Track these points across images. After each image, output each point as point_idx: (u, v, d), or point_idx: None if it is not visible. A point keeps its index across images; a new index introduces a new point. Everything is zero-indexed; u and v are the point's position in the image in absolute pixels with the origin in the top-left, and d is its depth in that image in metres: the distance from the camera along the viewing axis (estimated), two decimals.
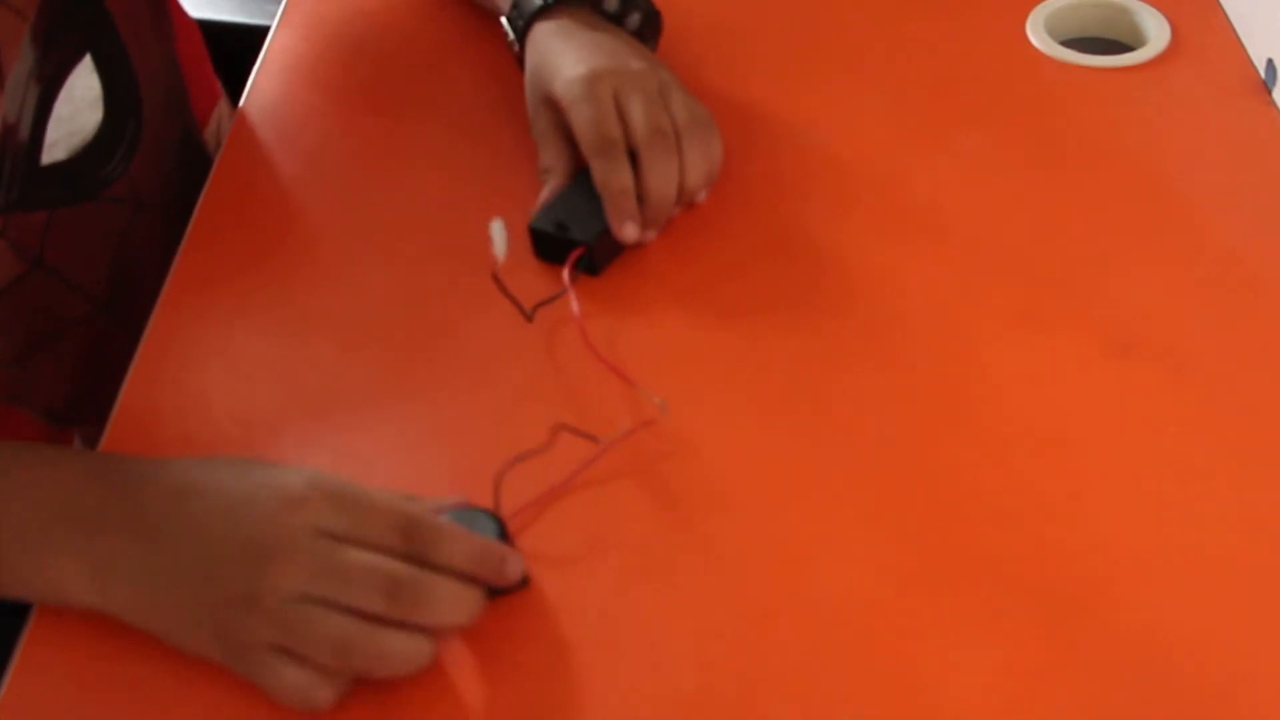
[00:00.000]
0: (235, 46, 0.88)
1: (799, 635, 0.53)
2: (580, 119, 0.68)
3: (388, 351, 0.66)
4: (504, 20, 0.77)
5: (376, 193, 0.76)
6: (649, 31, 0.77)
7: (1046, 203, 0.70)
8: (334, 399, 0.64)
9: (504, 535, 0.55)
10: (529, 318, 0.65)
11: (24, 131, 0.66)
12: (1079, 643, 0.52)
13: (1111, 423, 0.60)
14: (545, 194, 0.70)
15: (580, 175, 0.70)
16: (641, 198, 0.67)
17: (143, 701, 0.53)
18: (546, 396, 0.63)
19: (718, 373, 0.64)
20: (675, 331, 0.66)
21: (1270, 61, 0.75)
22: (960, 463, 0.59)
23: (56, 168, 0.69)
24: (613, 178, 0.67)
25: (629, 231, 0.67)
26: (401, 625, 0.51)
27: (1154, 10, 0.81)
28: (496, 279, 0.64)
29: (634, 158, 0.68)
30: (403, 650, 0.51)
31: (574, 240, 0.67)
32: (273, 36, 0.87)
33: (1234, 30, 0.80)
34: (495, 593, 0.54)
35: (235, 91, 0.86)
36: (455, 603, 0.52)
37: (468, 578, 0.52)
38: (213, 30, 0.87)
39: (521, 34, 0.75)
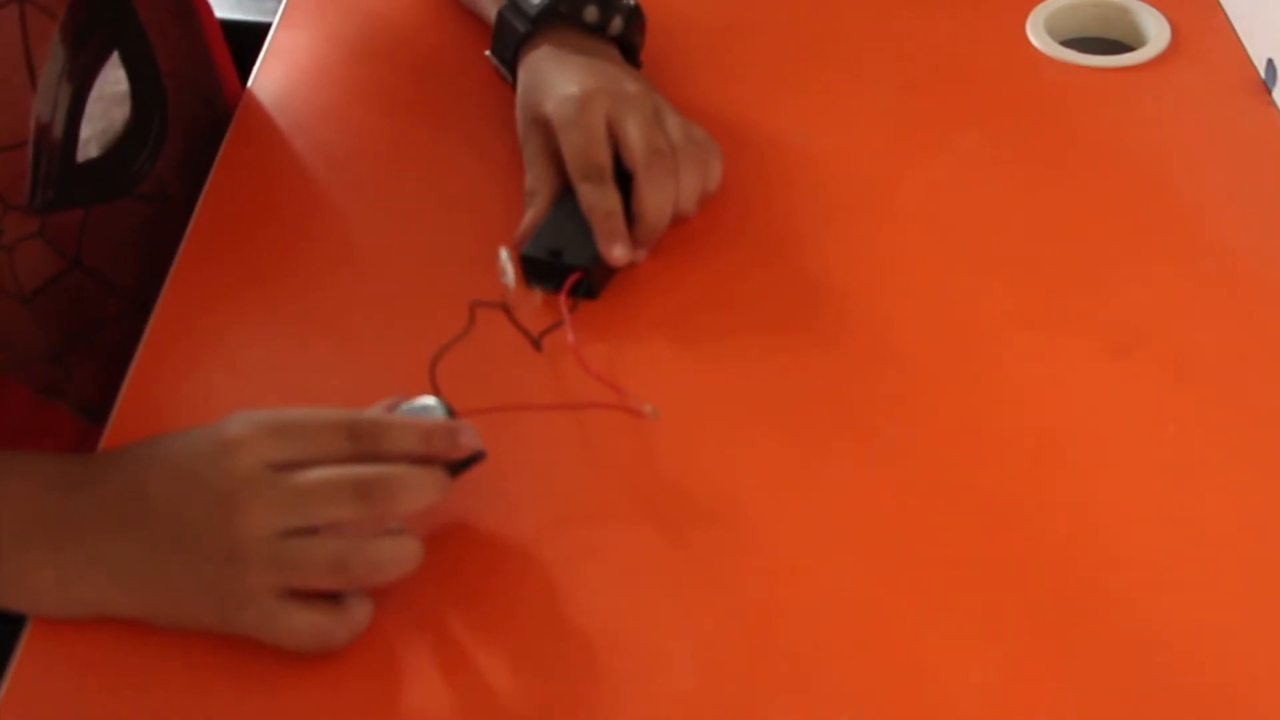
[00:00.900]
0: (235, 45, 0.88)
1: (799, 636, 0.53)
2: (571, 139, 0.68)
3: (387, 354, 0.66)
4: (489, 55, 0.77)
5: (378, 192, 0.76)
6: (633, 29, 0.76)
7: (1046, 203, 0.70)
8: (333, 400, 0.64)
9: (451, 415, 0.56)
10: (538, 347, 0.65)
11: (58, 131, 0.67)
12: (1079, 643, 0.52)
13: (1112, 423, 0.60)
14: (530, 217, 0.69)
15: (565, 198, 0.69)
16: (636, 218, 0.67)
17: (143, 702, 0.53)
18: (551, 412, 0.62)
19: (719, 374, 0.64)
20: (676, 347, 0.65)
21: (1270, 61, 0.75)
22: (960, 463, 0.59)
23: (91, 165, 0.70)
24: (600, 200, 0.67)
25: (618, 253, 0.66)
26: (382, 526, 0.52)
27: (1154, 10, 0.81)
28: (506, 309, 0.64)
29: (626, 179, 0.67)
30: (394, 552, 0.52)
31: (570, 266, 0.66)
32: (274, 34, 0.87)
33: (1234, 30, 0.80)
34: (456, 469, 0.54)
35: None
36: (421, 485, 0.52)
37: (425, 460, 0.53)
38: None
39: (512, 65, 0.76)
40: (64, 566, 0.53)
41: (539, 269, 0.67)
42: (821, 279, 0.67)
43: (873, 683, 0.51)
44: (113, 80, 0.70)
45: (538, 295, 0.66)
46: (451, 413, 0.56)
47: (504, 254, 0.63)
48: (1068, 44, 0.81)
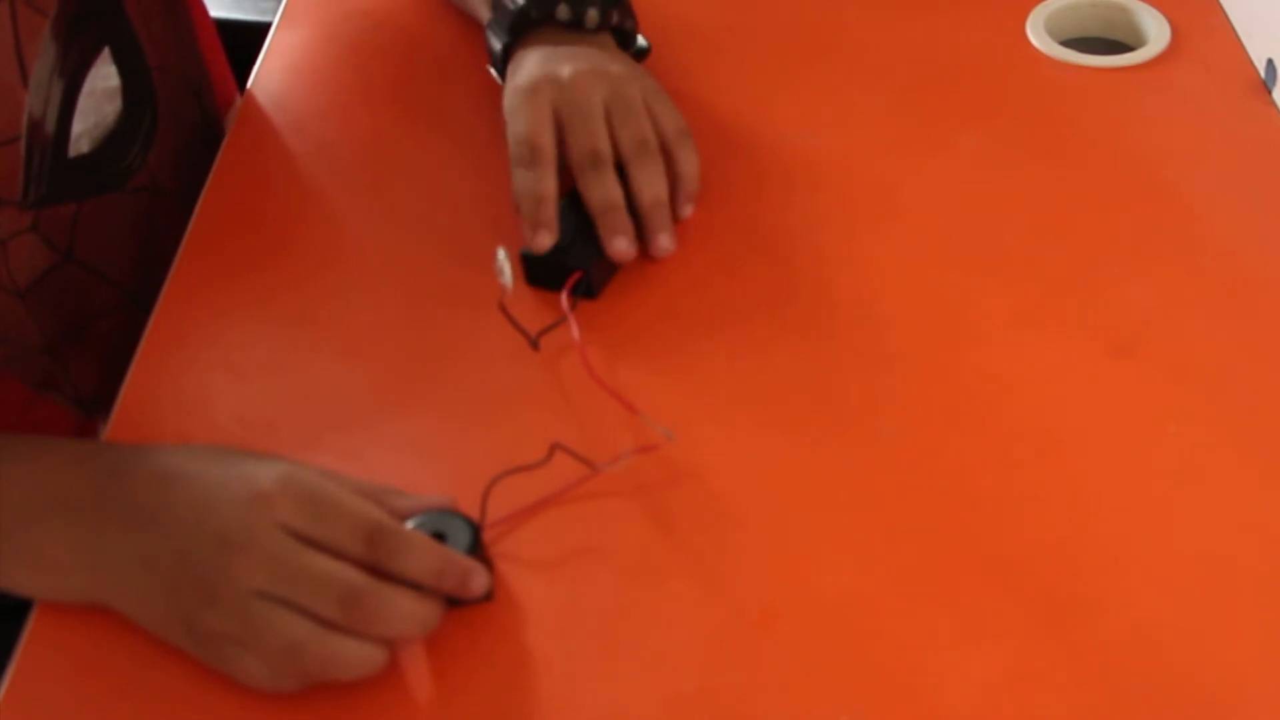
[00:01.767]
0: (234, 43, 0.88)
1: (798, 636, 0.53)
2: (513, 128, 0.68)
3: (387, 354, 0.66)
4: (491, 70, 0.77)
5: (378, 192, 0.75)
6: (617, 18, 0.75)
7: (1046, 203, 0.70)
8: (334, 400, 0.64)
9: (477, 541, 0.55)
10: (535, 346, 0.64)
11: (50, 127, 0.67)
12: (1079, 643, 0.52)
13: (1111, 423, 0.60)
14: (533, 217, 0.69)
15: (565, 199, 0.69)
16: (591, 210, 0.67)
17: (143, 701, 0.53)
18: (548, 412, 0.62)
19: (718, 374, 0.64)
20: (676, 347, 0.65)
21: (1270, 61, 0.75)
22: (960, 463, 0.59)
23: (83, 160, 0.70)
24: (532, 186, 0.67)
25: (620, 245, 0.66)
26: (354, 633, 0.51)
27: (1154, 10, 0.81)
28: (503, 309, 0.64)
29: (621, 171, 0.68)
30: (352, 656, 0.51)
31: (570, 266, 0.66)
32: (274, 33, 0.87)
33: (1234, 30, 0.80)
34: (456, 601, 0.54)
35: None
36: (409, 617, 0.52)
37: (428, 588, 0.53)
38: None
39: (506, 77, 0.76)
40: (81, 539, 0.54)
41: (538, 268, 0.67)
42: (821, 279, 0.67)
43: (872, 682, 0.51)
44: (103, 76, 0.70)
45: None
46: (478, 537, 0.55)
47: (501, 253, 0.63)
48: (1068, 44, 0.81)
